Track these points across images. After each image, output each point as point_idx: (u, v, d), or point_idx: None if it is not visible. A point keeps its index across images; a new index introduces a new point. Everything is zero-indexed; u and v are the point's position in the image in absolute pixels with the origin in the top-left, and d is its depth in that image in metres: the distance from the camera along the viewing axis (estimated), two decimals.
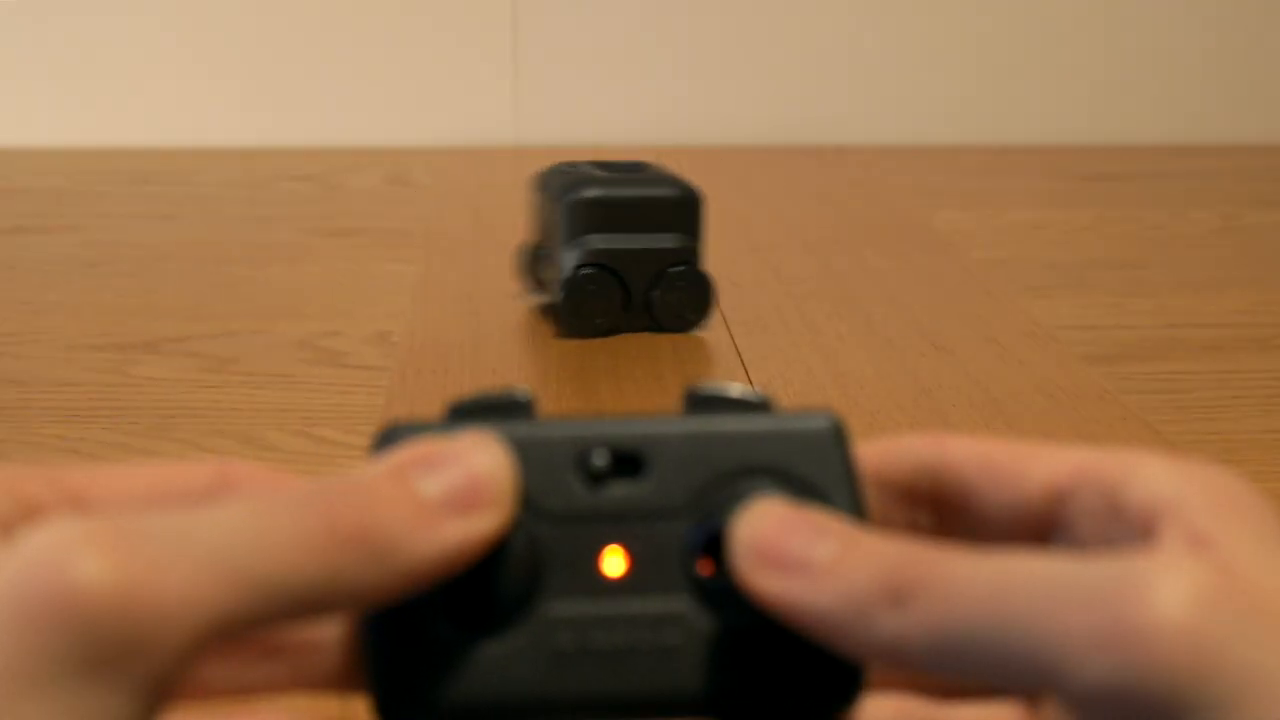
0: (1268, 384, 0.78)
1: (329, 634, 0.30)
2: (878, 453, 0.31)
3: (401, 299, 0.90)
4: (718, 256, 0.86)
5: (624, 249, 0.79)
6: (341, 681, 0.30)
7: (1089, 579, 0.24)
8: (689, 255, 0.80)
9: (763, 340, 0.82)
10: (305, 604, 0.25)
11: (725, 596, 0.28)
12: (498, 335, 0.82)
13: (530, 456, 0.29)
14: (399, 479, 0.26)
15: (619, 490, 0.29)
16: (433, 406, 0.31)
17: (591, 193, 0.79)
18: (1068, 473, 0.29)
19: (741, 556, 0.27)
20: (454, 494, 0.26)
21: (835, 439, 0.29)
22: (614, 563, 0.29)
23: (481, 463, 0.27)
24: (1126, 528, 0.28)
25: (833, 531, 0.26)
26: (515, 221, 1.10)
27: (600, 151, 1.32)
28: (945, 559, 0.25)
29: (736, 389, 0.30)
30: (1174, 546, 0.26)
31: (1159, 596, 0.23)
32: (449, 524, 0.26)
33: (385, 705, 0.28)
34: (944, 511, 0.31)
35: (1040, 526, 0.30)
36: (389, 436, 0.29)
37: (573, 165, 0.84)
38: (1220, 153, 1.34)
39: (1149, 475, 0.28)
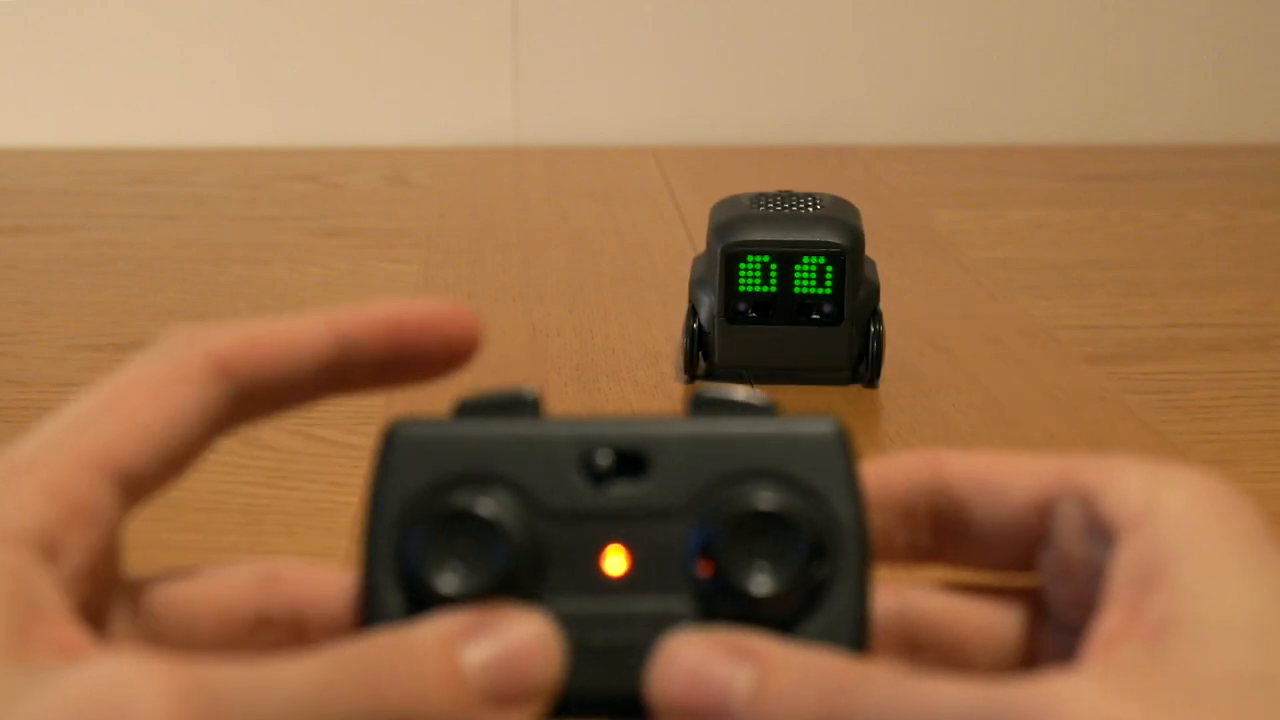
0: (1268, 384, 0.78)
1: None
2: (876, 473, 0.30)
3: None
4: None
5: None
6: None
7: (997, 712, 0.24)
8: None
9: None
10: None
11: (724, 598, 0.28)
12: (498, 335, 0.82)
13: (535, 454, 0.29)
14: (446, 654, 0.26)
15: (622, 490, 0.29)
16: (432, 406, 0.31)
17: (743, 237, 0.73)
18: (1050, 483, 0.29)
19: (662, 716, 0.27)
20: (501, 685, 0.26)
21: (838, 443, 0.29)
22: (615, 561, 0.29)
23: (536, 660, 0.27)
24: (1101, 542, 0.28)
25: (749, 653, 0.26)
26: (515, 221, 1.10)
27: (600, 151, 1.33)
28: (864, 690, 0.25)
29: (741, 392, 0.30)
30: (1107, 620, 0.26)
31: None
32: (490, 717, 0.26)
33: None
34: (942, 530, 0.31)
35: (1030, 541, 0.30)
36: (395, 433, 0.29)
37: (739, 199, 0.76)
38: (1220, 153, 1.34)
39: (1122, 486, 0.27)
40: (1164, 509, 0.27)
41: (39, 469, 0.27)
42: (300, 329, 0.30)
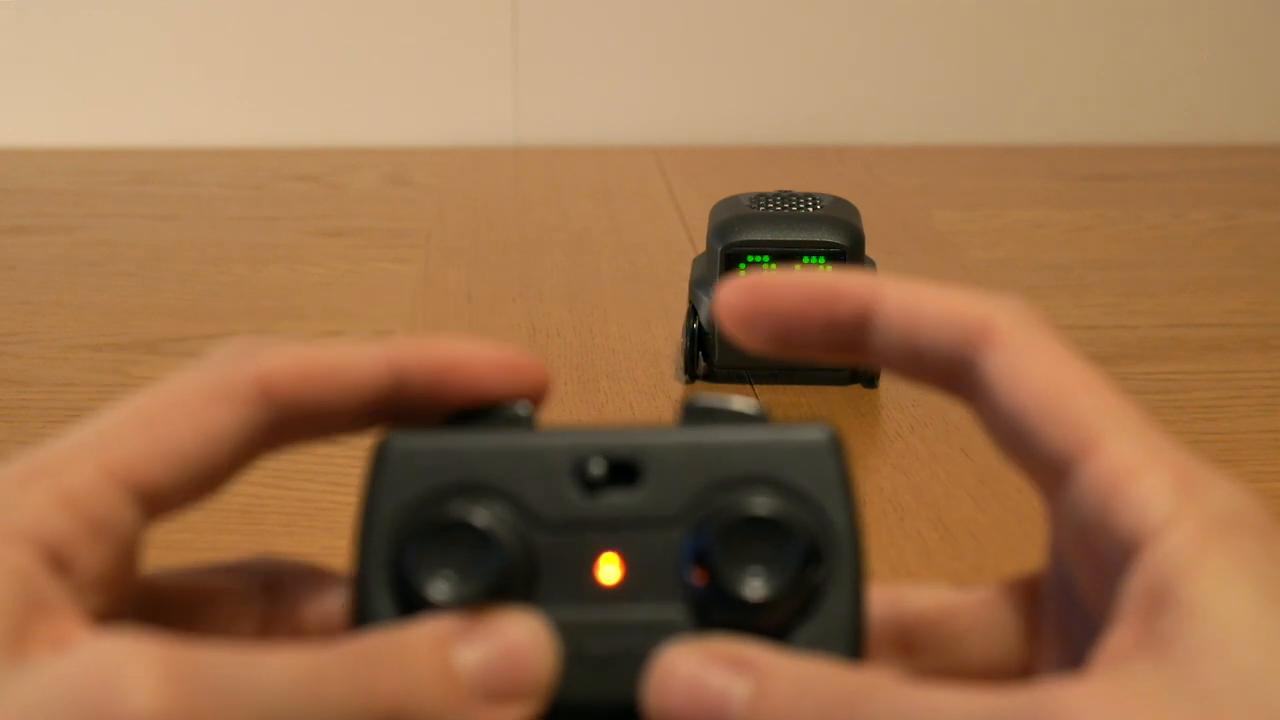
0: (1268, 384, 0.78)
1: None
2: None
3: (401, 299, 0.90)
4: None
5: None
6: None
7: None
8: None
9: None
10: None
11: (719, 605, 0.28)
12: (497, 335, 0.82)
13: (527, 463, 0.29)
14: (439, 653, 0.26)
15: (615, 498, 0.29)
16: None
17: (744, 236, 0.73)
18: (1082, 444, 0.27)
19: None
20: (494, 683, 0.26)
21: (831, 449, 0.29)
22: (609, 570, 0.29)
23: (529, 659, 0.27)
24: (1115, 545, 0.26)
25: (746, 663, 0.26)
26: (515, 221, 1.10)
27: (600, 151, 1.33)
28: (866, 701, 0.25)
29: (734, 401, 0.30)
30: (1117, 637, 0.25)
31: None
32: (484, 713, 0.26)
33: None
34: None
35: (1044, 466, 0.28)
36: (388, 444, 0.29)
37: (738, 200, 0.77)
38: (1220, 153, 1.34)
39: (1145, 490, 0.26)
40: (1184, 524, 0.26)
41: (59, 474, 0.27)
42: (355, 359, 0.29)
